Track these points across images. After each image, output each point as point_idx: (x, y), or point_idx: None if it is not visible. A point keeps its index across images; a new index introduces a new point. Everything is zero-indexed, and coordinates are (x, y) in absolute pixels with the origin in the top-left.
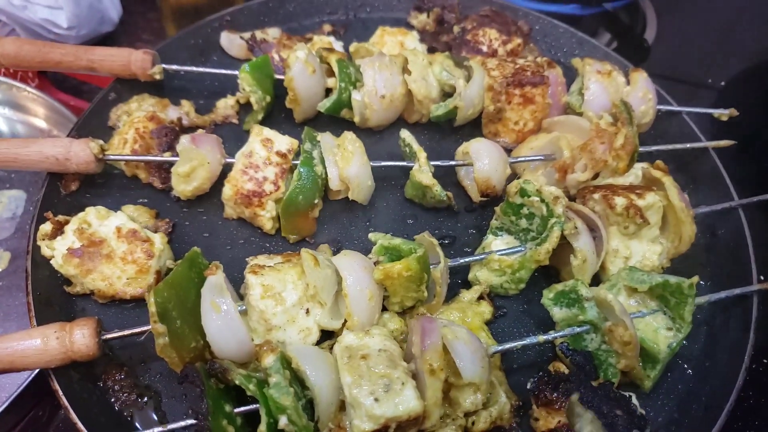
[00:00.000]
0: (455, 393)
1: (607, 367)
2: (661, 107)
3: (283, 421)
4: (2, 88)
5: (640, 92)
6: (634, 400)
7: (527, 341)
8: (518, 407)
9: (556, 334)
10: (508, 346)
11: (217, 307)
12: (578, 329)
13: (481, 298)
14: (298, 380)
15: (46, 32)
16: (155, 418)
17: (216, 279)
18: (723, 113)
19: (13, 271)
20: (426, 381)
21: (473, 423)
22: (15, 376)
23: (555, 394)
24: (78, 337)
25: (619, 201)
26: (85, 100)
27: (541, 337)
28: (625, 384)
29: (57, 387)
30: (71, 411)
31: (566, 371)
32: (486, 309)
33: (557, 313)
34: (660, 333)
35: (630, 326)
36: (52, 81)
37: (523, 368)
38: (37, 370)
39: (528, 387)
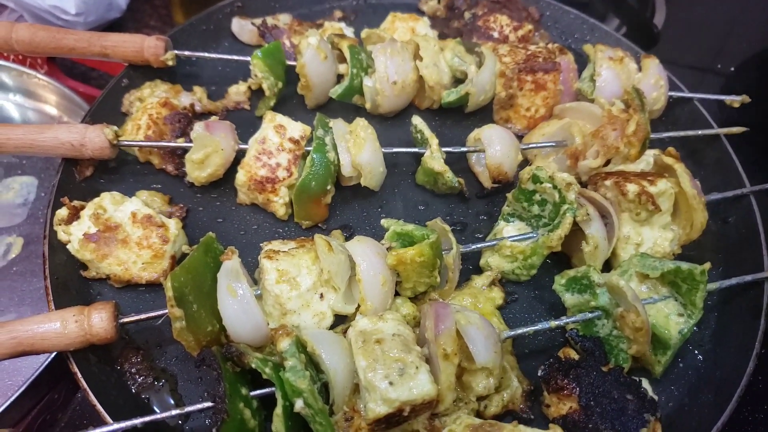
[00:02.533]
0: (468, 377)
1: (618, 353)
2: (672, 94)
3: (299, 404)
4: (13, 74)
5: (652, 79)
6: (646, 385)
7: (539, 327)
8: (530, 392)
9: (567, 320)
10: (520, 331)
11: (234, 291)
12: (590, 315)
13: (492, 284)
14: (312, 364)
15: (54, 18)
16: (171, 401)
17: (232, 264)
18: (735, 100)
19: (27, 257)
20: (440, 365)
21: (485, 407)
22: (31, 360)
23: (566, 381)
24: (96, 321)
25: (631, 187)
26: (94, 86)
27: (553, 323)
28: (636, 369)
29: (76, 369)
30: (90, 393)
31: (576, 357)
32: (497, 295)
33: (569, 299)
34: (671, 319)
35: (642, 312)
36: (61, 68)
37: (535, 353)
38: (53, 355)
39: (539, 374)
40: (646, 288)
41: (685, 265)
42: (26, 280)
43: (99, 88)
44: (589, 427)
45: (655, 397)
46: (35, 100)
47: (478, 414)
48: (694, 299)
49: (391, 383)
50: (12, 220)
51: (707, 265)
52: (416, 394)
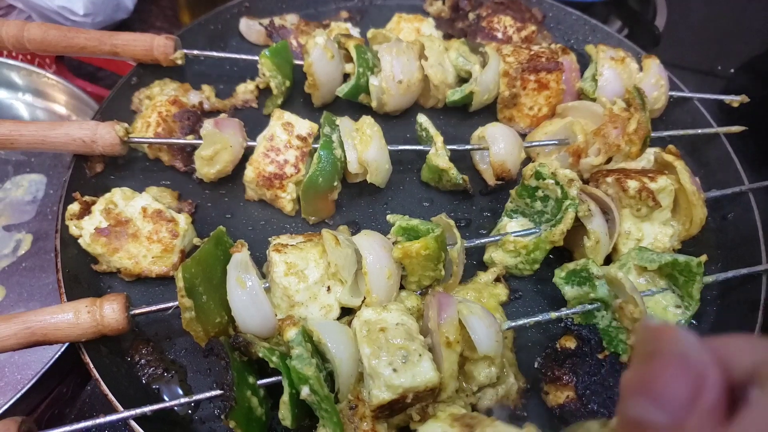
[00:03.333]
0: (470, 367)
1: (618, 343)
2: (673, 93)
3: (305, 391)
4: (23, 74)
5: (653, 78)
6: None
7: (539, 318)
8: (526, 390)
9: (567, 311)
10: (520, 322)
11: (243, 283)
12: (589, 306)
13: (497, 280)
14: (318, 353)
15: (62, 19)
16: (181, 391)
17: (241, 256)
18: (734, 99)
19: (36, 253)
20: (442, 353)
21: (479, 399)
22: (40, 355)
23: (562, 371)
24: (108, 312)
25: (632, 184)
26: (102, 86)
27: (553, 314)
28: None
29: (88, 360)
30: (102, 383)
31: (572, 347)
32: (502, 291)
33: (569, 291)
34: (669, 311)
35: (640, 303)
36: (69, 67)
37: (534, 351)
38: (63, 348)
39: (535, 366)
40: (644, 280)
41: (681, 258)
42: (35, 276)
43: (107, 87)
44: (586, 415)
45: None
46: (45, 99)
47: (473, 407)
48: (691, 291)
49: (394, 370)
50: (21, 217)
51: (703, 257)
52: (419, 381)
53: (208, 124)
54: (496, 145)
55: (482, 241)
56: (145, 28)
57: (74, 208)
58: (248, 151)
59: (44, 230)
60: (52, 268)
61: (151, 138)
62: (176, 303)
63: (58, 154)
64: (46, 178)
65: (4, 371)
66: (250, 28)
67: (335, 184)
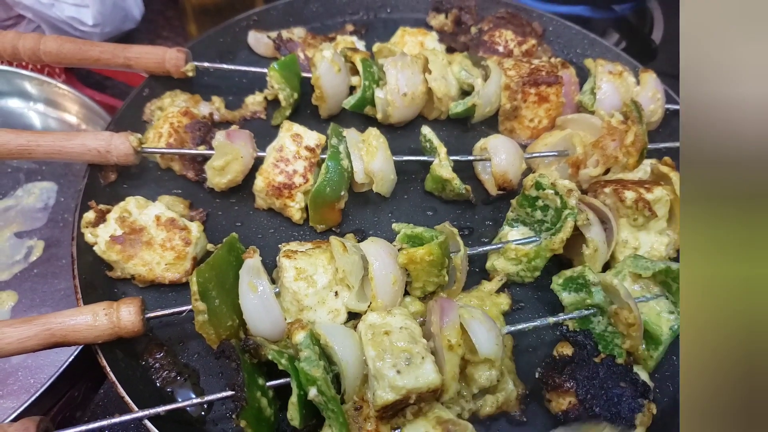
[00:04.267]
0: (471, 370)
1: (613, 347)
2: (669, 106)
3: (312, 392)
4: (35, 83)
5: (650, 92)
6: (644, 376)
7: (538, 323)
8: (524, 395)
9: (564, 317)
10: (520, 326)
11: (254, 287)
12: (586, 312)
13: (501, 290)
14: (325, 356)
15: (72, 29)
16: (193, 395)
17: (253, 262)
18: None
19: (47, 259)
20: (444, 356)
21: (480, 406)
22: (52, 359)
23: (562, 378)
24: (124, 314)
25: (629, 195)
26: (109, 94)
27: (551, 319)
28: (631, 365)
29: (105, 363)
30: (118, 386)
31: (569, 353)
32: (504, 301)
33: (566, 297)
34: (662, 316)
35: (634, 309)
36: (77, 76)
37: (533, 359)
38: (76, 352)
39: (536, 376)
40: (638, 287)
41: (675, 265)
42: (47, 282)
43: (114, 96)
44: (589, 418)
45: (650, 383)
46: (56, 108)
47: (474, 413)
48: None
49: (398, 372)
50: (33, 224)
51: None
52: (422, 382)
53: (219, 136)
54: (498, 156)
55: (484, 249)
56: (152, 38)
57: (89, 216)
58: (258, 162)
59: (56, 237)
60: (63, 275)
61: (164, 148)
62: (190, 307)
63: (68, 163)
64: (57, 185)
65: (18, 375)
66: (259, 41)
67: (342, 193)
